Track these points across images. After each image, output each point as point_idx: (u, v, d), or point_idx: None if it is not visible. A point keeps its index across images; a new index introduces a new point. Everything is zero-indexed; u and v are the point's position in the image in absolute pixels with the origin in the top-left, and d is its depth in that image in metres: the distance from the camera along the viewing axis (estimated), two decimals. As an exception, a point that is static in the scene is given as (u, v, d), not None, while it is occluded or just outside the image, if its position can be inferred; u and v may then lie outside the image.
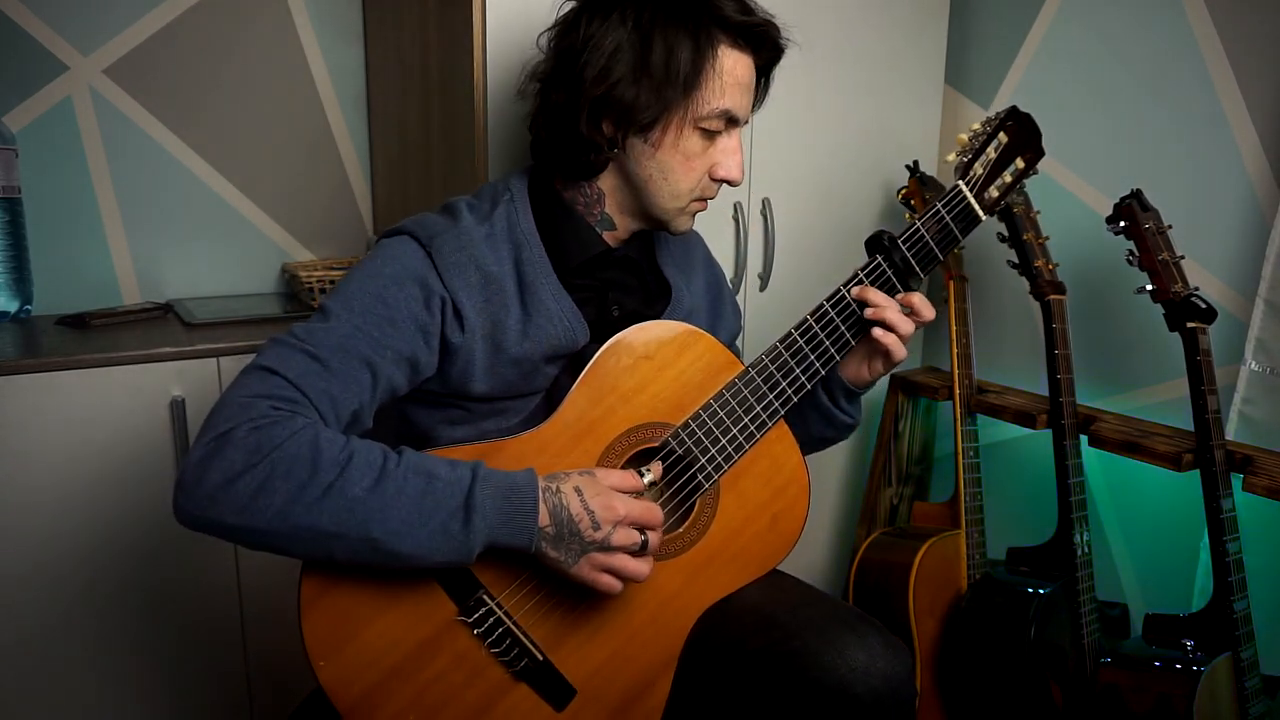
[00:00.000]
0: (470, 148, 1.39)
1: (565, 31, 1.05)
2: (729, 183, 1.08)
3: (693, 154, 1.05)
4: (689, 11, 1.01)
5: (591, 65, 1.01)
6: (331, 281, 1.71)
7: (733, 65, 1.03)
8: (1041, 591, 1.48)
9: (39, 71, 1.63)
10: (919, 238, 1.10)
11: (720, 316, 1.24)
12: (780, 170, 1.68)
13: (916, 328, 1.10)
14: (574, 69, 1.02)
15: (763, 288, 1.71)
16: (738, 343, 1.30)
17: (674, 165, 1.05)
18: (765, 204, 1.67)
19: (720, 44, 1.02)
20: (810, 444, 1.22)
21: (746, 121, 1.09)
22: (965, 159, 1.15)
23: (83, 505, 1.42)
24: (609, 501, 0.92)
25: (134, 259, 1.76)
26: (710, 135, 1.05)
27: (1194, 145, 1.58)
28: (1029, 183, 1.33)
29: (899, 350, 1.08)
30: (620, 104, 1.01)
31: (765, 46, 1.06)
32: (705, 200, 1.10)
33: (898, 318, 1.06)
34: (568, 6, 1.06)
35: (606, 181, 1.08)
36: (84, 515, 1.42)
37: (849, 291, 1.08)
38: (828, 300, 1.08)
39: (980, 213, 1.13)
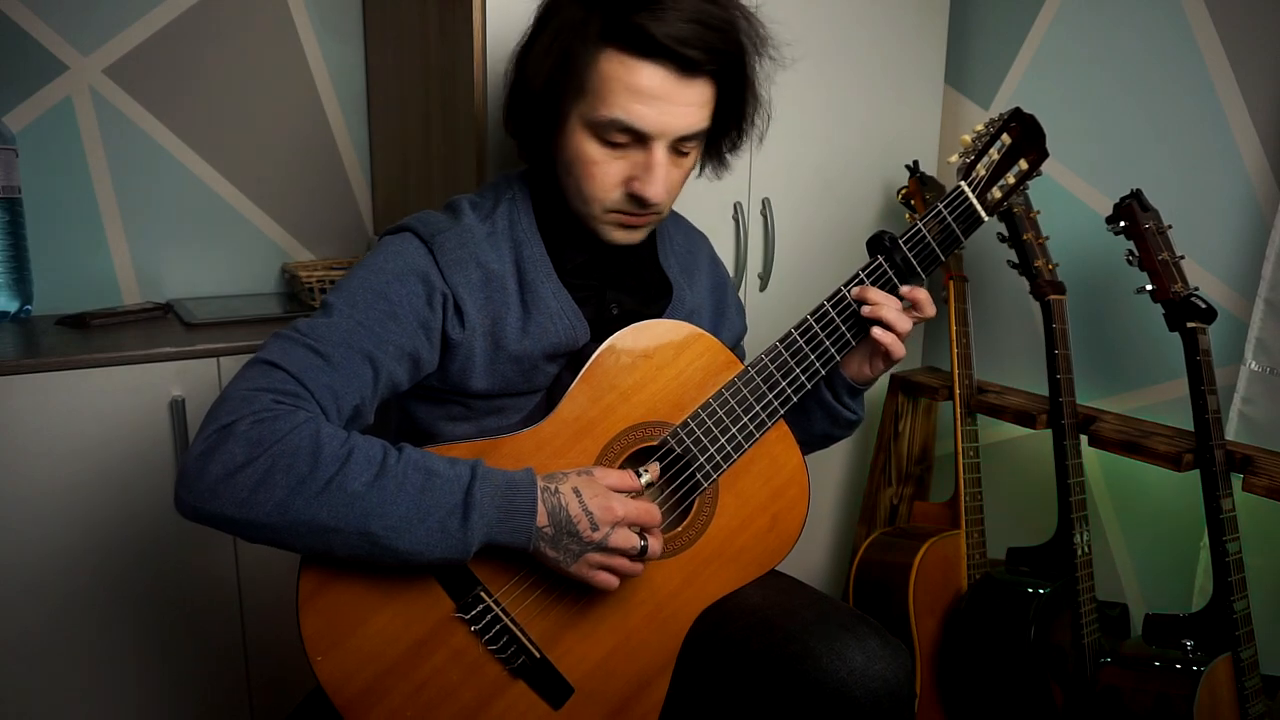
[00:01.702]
0: (470, 148, 1.39)
1: None
2: (644, 200, 0.99)
3: (591, 160, 0.99)
4: (592, 8, 0.94)
5: (515, 55, 1.04)
6: (332, 281, 1.72)
7: (624, 73, 0.94)
8: (1041, 591, 1.48)
9: (39, 71, 1.63)
10: (920, 238, 1.09)
11: (724, 318, 1.23)
12: (780, 170, 1.68)
13: (916, 324, 1.09)
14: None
15: (763, 288, 1.71)
16: (743, 344, 1.29)
17: (574, 168, 1.01)
18: (765, 204, 1.67)
19: (604, 47, 0.94)
20: (813, 442, 1.22)
21: (669, 137, 0.97)
22: (968, 160, 1.14)
23: (82, 506, 1.42)
24: (607, 503, 0.92)
25: (134, 259, 1.76)
26: (613, 146, 0.98)
27: (1194, 145, 1.58)
28: (1029, 183, 1.33)
29: (898, 349, 1.08)
30: (519, 94, 1.03)
31: (687, 59, 0.93)
32: (630, 215, 1.02)
33: (896, 316, 1.06)
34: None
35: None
36: (84, 515, 1.42)
37: (849, 291, 1.08)
38: (828, 300, 1.08)
39: (982, 213, 1.12)
